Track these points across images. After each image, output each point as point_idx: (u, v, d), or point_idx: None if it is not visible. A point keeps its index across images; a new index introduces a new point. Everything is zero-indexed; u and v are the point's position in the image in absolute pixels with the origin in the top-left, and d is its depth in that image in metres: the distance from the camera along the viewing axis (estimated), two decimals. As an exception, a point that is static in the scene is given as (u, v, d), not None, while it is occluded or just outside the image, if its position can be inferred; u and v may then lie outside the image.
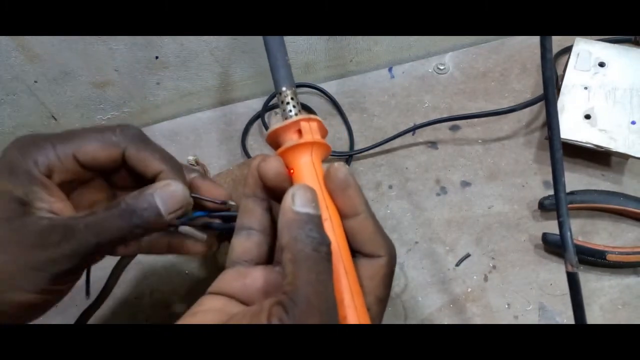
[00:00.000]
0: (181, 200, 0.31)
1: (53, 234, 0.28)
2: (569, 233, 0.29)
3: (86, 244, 0.29)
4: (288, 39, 0.57)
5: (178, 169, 0.34)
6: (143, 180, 0.33)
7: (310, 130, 0.29)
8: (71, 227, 0.29)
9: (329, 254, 0.24)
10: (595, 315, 0.44)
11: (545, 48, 0.31)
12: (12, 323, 0.30)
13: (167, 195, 0.30)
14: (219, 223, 0.35)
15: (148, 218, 0.30)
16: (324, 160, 0.30)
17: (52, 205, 0.31)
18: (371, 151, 0.56)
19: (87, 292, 0.36)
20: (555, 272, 0.47)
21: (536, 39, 0.67)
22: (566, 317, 0.44)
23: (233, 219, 0.35)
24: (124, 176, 0.35)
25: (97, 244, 0.29)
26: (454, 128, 0.57)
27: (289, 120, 0.29)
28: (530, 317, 0.45)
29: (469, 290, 0.47)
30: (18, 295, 0.28)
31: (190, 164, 0.56)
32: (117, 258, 0.40)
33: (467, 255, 0.49)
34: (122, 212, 0.29)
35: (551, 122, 0.29)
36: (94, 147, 0.32)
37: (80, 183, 0.34)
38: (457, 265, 0.48)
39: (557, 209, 0.29)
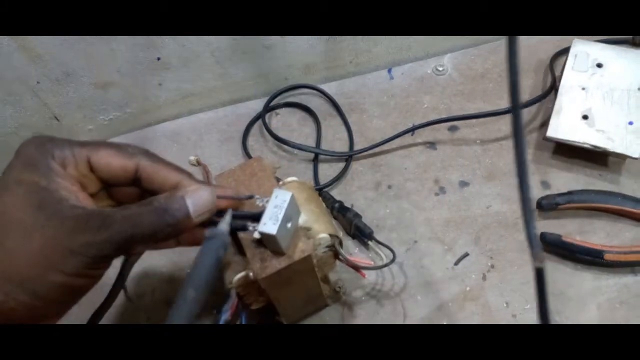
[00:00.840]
0: (210, 204, 0.32)
1: (92, 220, 0.29)
2: (534, 231, 0.31)
3: (123, 234, 0.29)
4: (289, 40, 0.58)
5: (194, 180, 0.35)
6: (151, 195, 0.34)
7: None
8: (109, 216, 0.30)
9: None
10: (592, 315, 0.45)
11: (512, 51, 0.31)
12: (52, 306, 0.31)
13: (197, 198, 0.32)
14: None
15: (179, 218, 0.31)
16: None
17: (77, 194, 0.31)
18: (370, 151, 0.56)
19: (128, 299, 0.36)
20: (553, 272, 0.47)
21: (536, 39, 0.68)
22: (564, 317, 0.45)
23: (242, 217, 0.36)
24: (128, 192, 0.36)
25: (132, 235, 0.30)
26: (453, 129, 0.58)
27: None
28: (529, 316, 0.45)
29: (468, 289, 0.47)
30: (57, 276, 0.29)
31: (192, 165, 0.57)
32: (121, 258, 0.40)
33: (466, 255, 0.49)
34: (156, 209, 0.30)
35: (516, 127, 0.30)
36: (109, 154, 0.33)
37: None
38: (456, 264, 0.48)
39: (523, 207, 0.30)
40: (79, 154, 0.32)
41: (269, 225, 0.33)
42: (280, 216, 0.33)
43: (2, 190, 0.30)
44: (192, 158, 0.57)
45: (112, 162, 0.33)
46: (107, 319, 0.49)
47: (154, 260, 0.52)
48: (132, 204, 0.31)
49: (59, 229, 0.29)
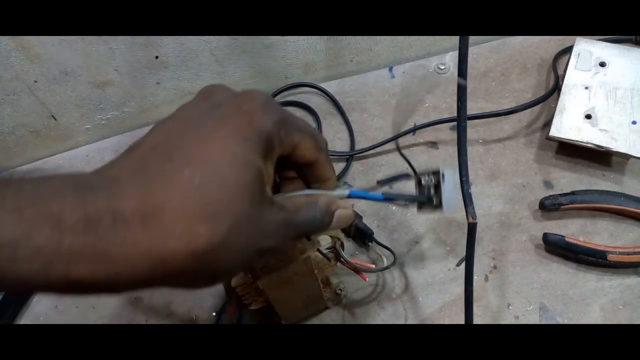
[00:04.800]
0: (346, 223, 0.32)
1: (282, 230, 0.28)
2: (469, 191, 0.37)
3: (302, 227, 0.29)
4: (289, 39, 0.57)
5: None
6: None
7: None
8: (293, 223, 0.28)
9: None
10: (595, 316, 0.44)
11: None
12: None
13: (342, 216, 0.31)
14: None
15: (324, 228, 0.31)
16: None
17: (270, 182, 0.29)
18: (372, 151, 0.56)
19: None
20: (556, 272, 0.47)
21: (537, 39, 0.67)
22: (567, 318, 0.44)
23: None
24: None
25: (304, 230, 0.30)
26: (455, 128, 0.57)
27: None
28: (531, 318, 0.45)
29: (470, 290, 0.47)
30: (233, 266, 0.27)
31: None
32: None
33: (468, 256, 0.48)
34: (321, 214, 0.30)
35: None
36: (310, 146, 0.30)
37: None
38: (458, 265, 0.48)
39: (460, 170, 0.36)
40: (291, 141, 0.29)
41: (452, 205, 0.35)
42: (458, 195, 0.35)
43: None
44: None
45: (307, 155, 0.30)
46: (105, 320, 0.48)
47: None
48: (301, 203, 0.30)
49: (254, 236, 0.26)
